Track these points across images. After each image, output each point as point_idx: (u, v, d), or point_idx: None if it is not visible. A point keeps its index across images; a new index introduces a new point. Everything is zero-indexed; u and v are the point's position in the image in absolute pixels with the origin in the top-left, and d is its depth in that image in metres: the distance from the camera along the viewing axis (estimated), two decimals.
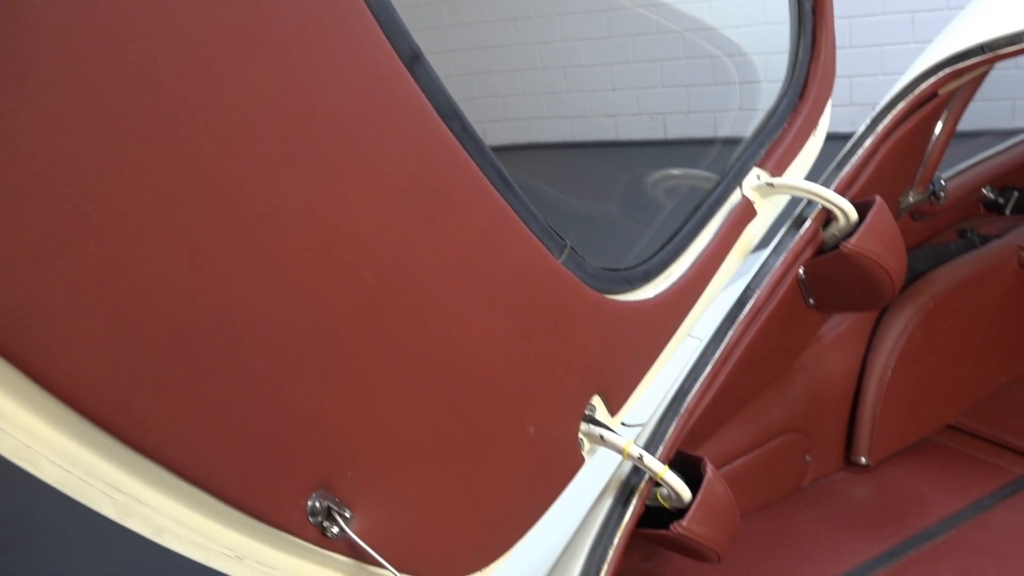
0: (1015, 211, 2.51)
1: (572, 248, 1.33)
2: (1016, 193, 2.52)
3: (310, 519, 1.00)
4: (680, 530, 1.39)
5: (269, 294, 0.92)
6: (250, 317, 0.90)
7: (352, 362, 1.01)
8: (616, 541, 1.38)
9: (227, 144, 0.85)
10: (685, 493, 1.40)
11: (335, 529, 1.01)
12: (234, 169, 0.86)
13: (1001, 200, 2.52)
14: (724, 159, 1.72)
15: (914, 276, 2.19)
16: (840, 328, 2.05)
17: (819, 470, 2.04)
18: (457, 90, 1.08)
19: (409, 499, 1.12)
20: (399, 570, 1.09)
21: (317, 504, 1.00)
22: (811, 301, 1.75)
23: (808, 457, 2.01)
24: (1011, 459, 2.06)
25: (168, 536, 0.91)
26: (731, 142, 1.78)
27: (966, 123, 2.11)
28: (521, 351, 1.24)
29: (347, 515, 1.03)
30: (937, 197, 2.08)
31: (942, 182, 2.07)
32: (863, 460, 2.06)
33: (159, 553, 0.91)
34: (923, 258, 2.23)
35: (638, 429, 1.51)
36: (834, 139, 1.79)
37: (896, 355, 2.05)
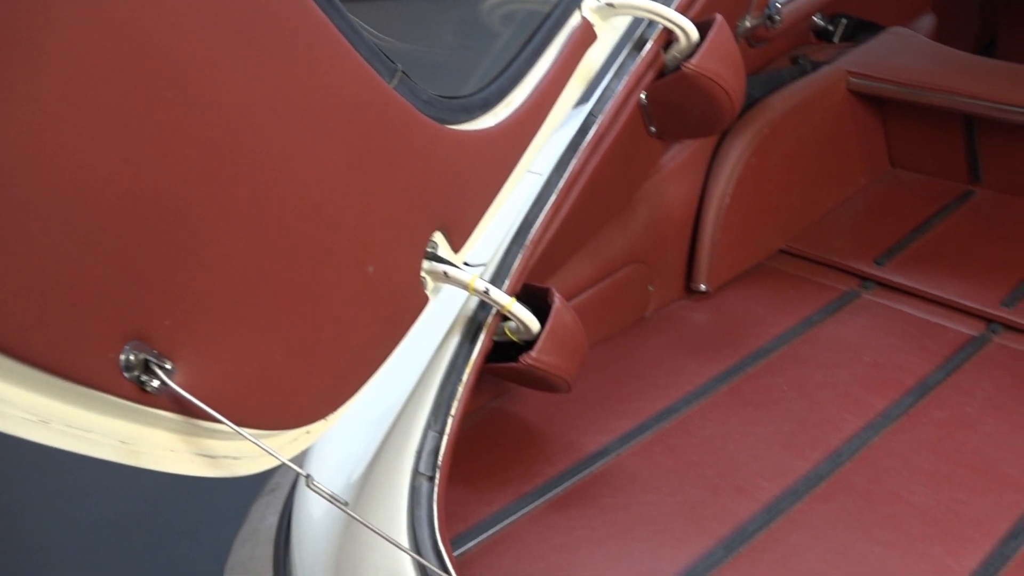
0: (844, 38, 2.56)
1: (404, 73, 1.23)
2: (845, 21, 2.56)
3: (125, 374, 0.90)
4: (530, 361, 1.37)
5: (59, 115, 0.78)
6: (36, 142, 0.77)
7: (162, 196, 0.89)
8: (465, 378, 1.36)
9: None
10: (533, 324, 1.37)
11: (155, 383, 0.92)
12: None
13: (831, 27, 2.55)
14: None
15: (750, 103, 2.21)
16: (680, 158, 2.05)
17: (661, 299, 2.08)
18: None
19: (239, 347, 1.03)
20: (235, 423, 1.01)
21: (132, 357, 0.90)
22: (652, 129, 1.72)
23: (650, 287, 2.04)
24: (836, 277, 2.17)
25: None
26: None
27: None
28: (354, 184, 1.15)
29: (168, 367, 0.93)
30: (772, 21, 2.07)
31: (778, 5, 2.06)
32: (702, 287, 2.11)
33: None
34: (758, 85, 2.25)
35: (483, 269, 1.47)
36: None
37: (734, 182, 2.08)
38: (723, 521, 1.48)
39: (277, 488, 1.83)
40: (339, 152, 1.11)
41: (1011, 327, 1.94)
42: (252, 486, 1.83)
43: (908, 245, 2.24)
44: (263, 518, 1.75)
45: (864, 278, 2.14)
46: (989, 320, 1.96)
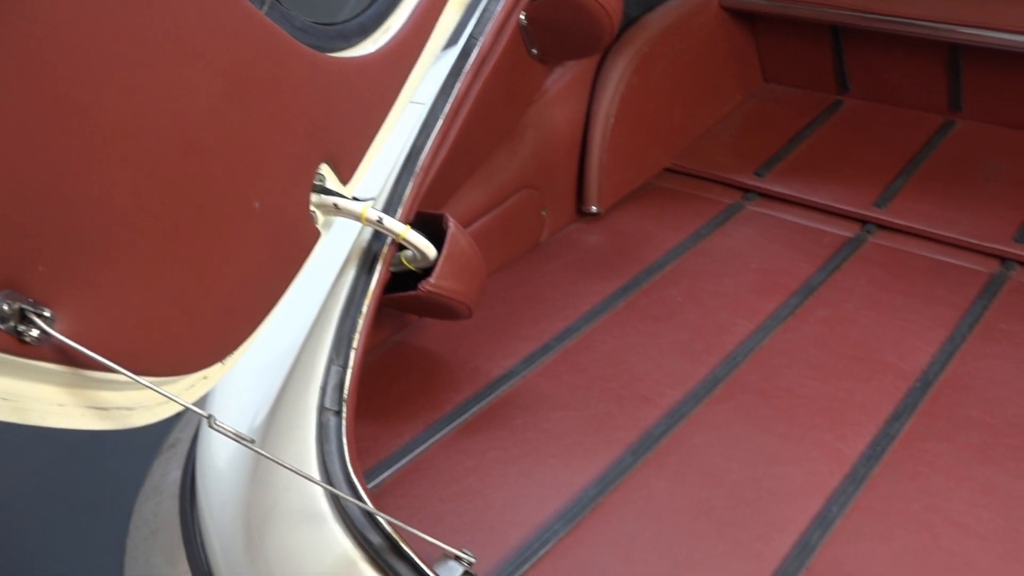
0: None
1: None
2: None
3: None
4: (429, 287, 1.36)
5: None
6: None
7: (23, 135, 0.83)
8: (364, 310, 1.34)
9: None
10: (430, 250, 1.36)
11: (34, 332, 0.87)
12: None
13: None
14: None
15: (628, 21, 2.22)
16: (563, 80, 2.05)
17: (555, 223, 2.10)
18: None
19: (123, 290, 0.98)
20: (128, 370, 0.97)
21: (5, 307, 0.85)
22: (534, 51, 1.71)
23: (543, 212, 2.05)
24: (720, 191, 2.23)
25: None
26: None
27: None
28: (232, 115, 1.10)
29: (47, 315, 0.88)
30: None
31: None
32: (594, 209, 2.14)
33: None
34: (635, 3, 2.26)
35: (374, 200, 1.44)
36: None
37: (616, 102, 2.10)
38: (630, 429, 1.52)
39: (177, 443, 1.78)
40: (213, 82, 1.06)
41: (884, 226, 2.04)
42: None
43: (785, 156, 2.31)
44: (165, 474, 1.71)
45: (746, 190, 2.21)
46: (864, 221, 2.06)
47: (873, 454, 1.46)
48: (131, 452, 2.10)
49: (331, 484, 1.17)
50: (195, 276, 1.11)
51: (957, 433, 1.49)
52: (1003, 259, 1.90)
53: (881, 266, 1.92)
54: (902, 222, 2.02)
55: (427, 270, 1.40)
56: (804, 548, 1.30)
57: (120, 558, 1.63)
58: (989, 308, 1.77)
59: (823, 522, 1.34)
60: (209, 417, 1.00)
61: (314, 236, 1.34)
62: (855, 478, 1.41)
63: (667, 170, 2.33)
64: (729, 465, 1.45)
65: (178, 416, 1.79)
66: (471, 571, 1.19)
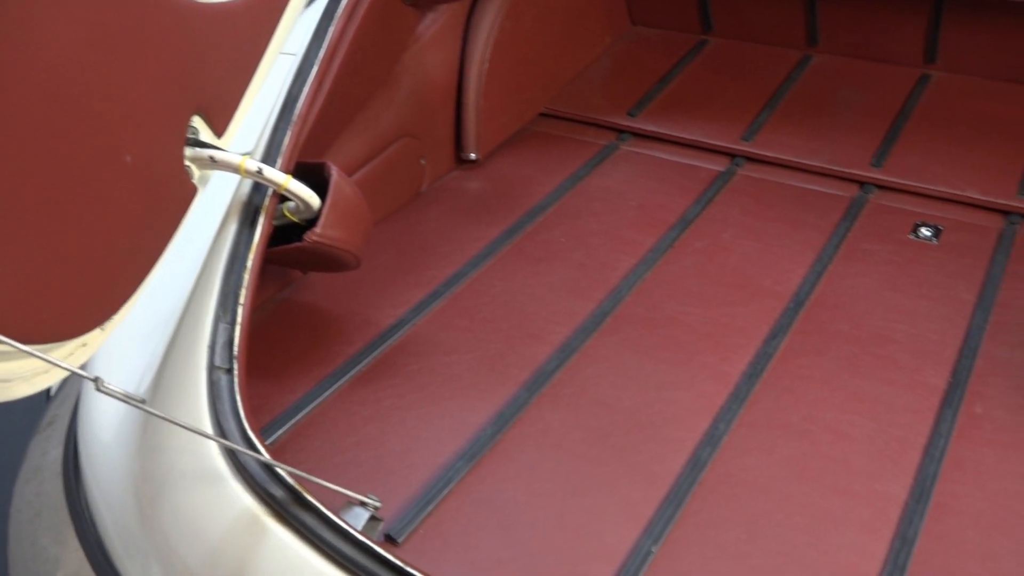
0: None
1: None
2: None
3: None
4: (315, 237, 1.34)
5: None
6: None
7: None
8: (249, 264, 1.31)
9: None
10: (313, 199, 1.34)
11: None
12: None
13: None
14: None
15: None
16: (436, 25, 2.03)
17: (435, 172, 2.09)
18: None
19: None
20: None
21: None
22: None
23: (423, 160, 2.04)
24: (595, 133, 2.27)
25: None
26: None
27: None
28: (97, 65, 1.04)
29: None
30: None
31: None
32: (473, 156, 2.14)
33: None
34: None
35: (252, 151, 1.40)
36: None
37: (490, 47, 2.09)
38: (523, 367, 1.55)
39: (55, 420, 1.71)
40: (74, 29, 1.00)
41: (751, 159, 2.12)
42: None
43: (655, 96, 2.37)
44: (44, 453, 1.63)
45: (620, 130, 2.26)
46: (733, 155, 2.14)
47: (754, 372, 1.53)
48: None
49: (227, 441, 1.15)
50: (66, 236, 1.06)
51: (828, 347, 1.59)
52: (861, 183, 2.02)
53: (752, 196, 2.01)
54: (768, 153, 2.11)
55: (312, 221, 1.38)
56: (696, 465, 1.37)
57: (2, 544, 1.56)
58: (851, 230, 1.88)
59: (711, 439, 1.41)
60: (96, 380, 0.96)
61: (191, 191, 1.29)
62: (738, 396, 1.49)
63: (542, 115, 2.35)
64: (621, 393, 1.50)
65: (54, 390, 1.71)
66: (377, 515, 1.20)
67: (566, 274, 1.78)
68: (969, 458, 1.37)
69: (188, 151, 1.26)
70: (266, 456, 1.15)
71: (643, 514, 1.30)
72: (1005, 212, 1.92)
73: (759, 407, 1.47)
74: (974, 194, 1.95)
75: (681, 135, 2.20)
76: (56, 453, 1.60)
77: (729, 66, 2.48)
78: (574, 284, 1.75)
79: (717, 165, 2.12)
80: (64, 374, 1.06)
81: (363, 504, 1.18)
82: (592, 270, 1.79)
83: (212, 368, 1.23)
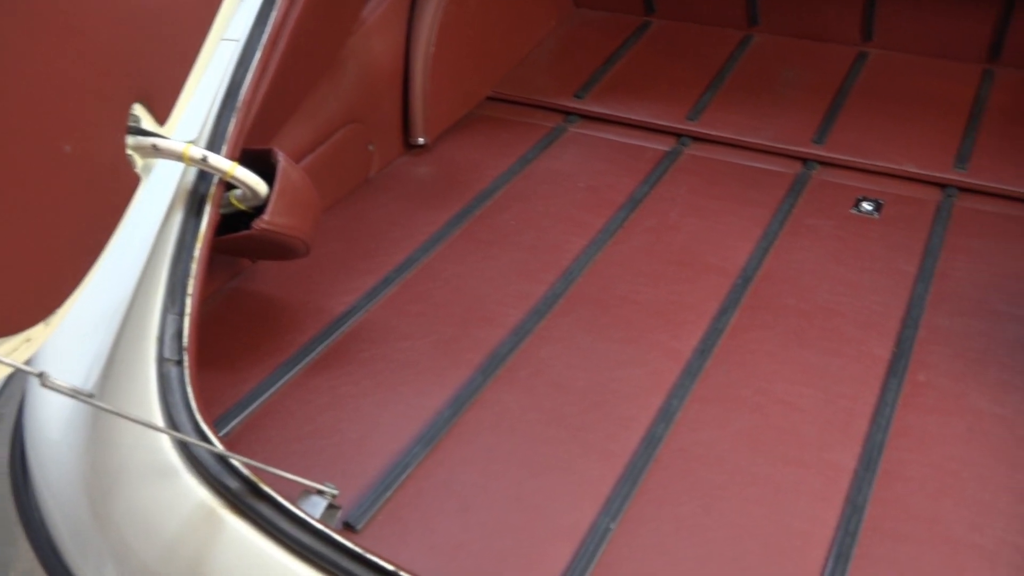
0: None
1: None
2: None
3: None
4: (263, 225, 1.33)
5: None
6: None
7: None
8: (197, 254, 1.29)
9: None
10: (261, 186, 1.32)
11: None
12: None
13: None
14: None
15: None
16: (381, 9, 2.01)
17: (384, 157, 2.08)
18: None
19: None
20: None
21: None
22: None
23: (371, 146, 2.02)
24: (543, 116, 2.27)
25: None
26: None
27: None
28: (32, 51, 1.01)
29: None
30: None
31: None
32: (421, 140, 2.13)
33: None
34: None
35: (196, 139, 1.37)
36: None
37: (436, 30, 2.08)
38: (477, 351, 1.55)
39: (0, 419, 1.67)
40: (7, 16, 0.97)
41: (697, 138, 2.15)
42: None
43: (601, 77, 2.38)
44: None
45: (568, 113, 2.26)
46: (679, 135, 2.16)
47: (705, 348, 1.56)
48: None
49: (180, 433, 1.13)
50: (3, 229, 1.03)
51: (776, 321, 1.61)
52: (804, 160, 2.06)
53: (698, 175, 2.03)
54: (713, 132, 2.14)
55: (259, 208, 1.36)
56: (651, 441, 1.39)
57: None
58: (796, 206, 1.92)
59: (665, 416, 1.43)
60: (42, 375, 0.94)
61: (134, 181, 1.26)
62: (691, 372, 1.51)
63: (490, 98, 2.34)
64: (575, 373, 1.51)
65: None
66: (335, 503, 1.20)
67: (517, 257, 1.79)
68: (914, 425, 1.41)
69: (130, 139, 1.24)
70: (220, 448, 1.14)
71: (600, 492, 1.31)
72: (942, 185, 1.97)
73: (711, 382, 1.50)
74: (912, 168, 1.99)
75: (627, 116, 2.21)
76: (2, 453, 1.56)
77: (672, 47, 2.50)
78: (525, 266, 1.76)
79: (663, 145, 2.14)
80: (8, 371, 1.04)
81: (320, 492, 1.18)
82: (543, 252, 1.80)
83: (162, 360, 1.21)
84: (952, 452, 1.36)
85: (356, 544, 1.01)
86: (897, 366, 1.51)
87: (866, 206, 1.92)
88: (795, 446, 1.38)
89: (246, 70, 1.41)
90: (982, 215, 1.89)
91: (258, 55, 1.42)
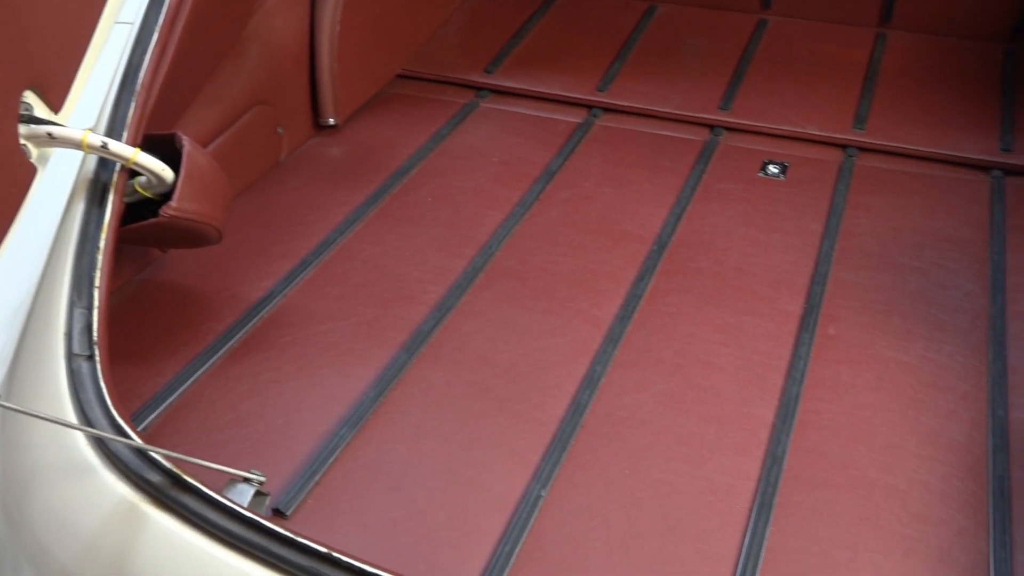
0: None
1: None
2: None
3: None
4: (171, 211, 1.29)
5: None
6: None
7: None
8: (102, 244, 1.24)
9: None
10: (166, 172, 1.28)
11: None
12: None
13: None
14: None
15: None
16: None
17: (294, 140, 2.04)
18: None
19: None
20: None
21: None
22: None
23: (280, 129, 1.98)
24: (454, 92, 2.26)
25: None
26: None
27: None
28: None
29: None
30: None
31: None
32: (331, 121, 2.09)
33: None
34: None
35: (94, 126, 1.32)
36: None
37: (340, 8, 2.04)
38: (400, 329, 1.55)
39: None
40: None
41: (608, 108, 2.17)
42: None
43: (510, 52, 2.38)
44: None
45: (479, 88, 2.26)
46: (590, 106, 2.18)
47: (625, 314, 1.58)
48: None
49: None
50: None
51: (692, 284, 1.65)
52: (712, 127, 2.10)
53: (611, 145, 2.05)
54: (623, 103, 2.16)
55: (166, 195, 1.32)
56: (577, 408, 1.40)
57: None
58: (706, 171, 1.96)
59: (590, 382, 1.45)
60: None
61: (29, 172, 1.22)
62: (612, 338, 1.53)
63: (400, 76, 2.32)
64: (499, 346, 1.52)
65: None
66: (263, 490, 1.18)
67: (436, 233, 1.78)
68: (827, 377, 1.46)
69: (23, 128, 1.19)
70: (138, 441, 1.11)
71: (530, 460, 1.33)
72: (843, 146, 2.03)
73: (632, 347, 1.52)
74: (814, 131, 2.05)
75: (538, 89, 2.22)
76: None
77: (579, 19, 2.52)
78: (444, 242, 1.75)
79: (575, 117, 2.15)
80: None
81: (247, 480, 1.16)
82: (461, 227, 1.79)
83: (71, 356, 1.17)
84: (863, 400, 1.42)
85: (287, 529, 1.00)
86: (808, 321, 1.57)
87: (772, 169, 1.97)
88: (716, 404, 1.42)
89: (143, 53, 1.36)
90: (881, 172, 1.96)
91: (155, 37, 1.37)
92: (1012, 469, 1.30)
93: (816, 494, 1.27)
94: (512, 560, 1.19)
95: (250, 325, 1.55)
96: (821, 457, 1.33)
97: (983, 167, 1.96)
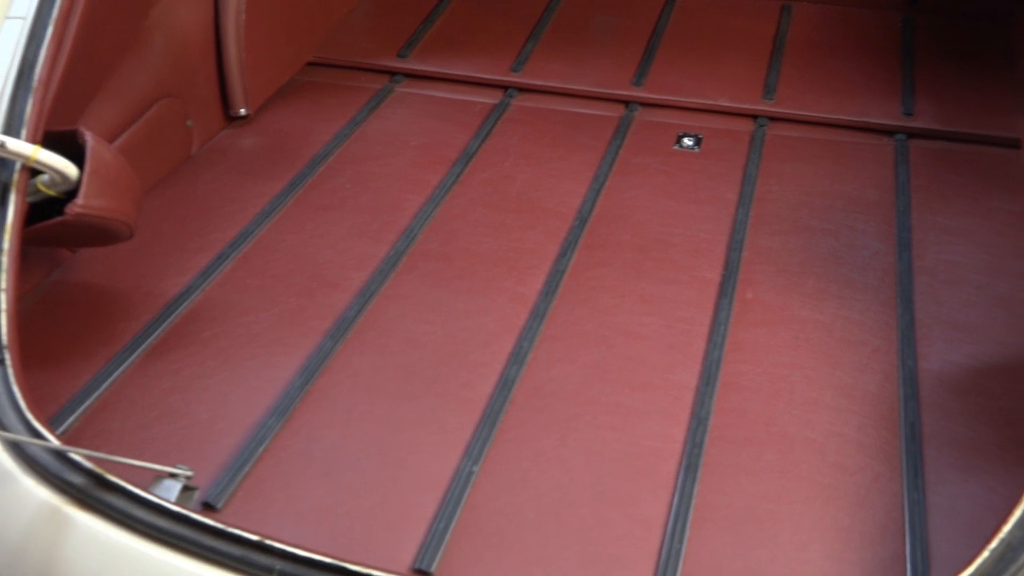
0: None
1: None
2: None
3: None
4: (78, 209, 1.25)
5: None
6: None
7: None
8: (6, 246, 1.21)
9: None
10: (69, 169, 1.25)
11: None
12: None
13: None
14: None
15: None
16: None
17: (205, 132, 2.00)
18: None
19: None
20: None
21: None
22: None
23: (189, 121, 1.94)
24: (368, 78, 2.24)
25: None
26: None
27: None
28: None
29: None
30: None
31: None
32: (242, 111, 2.06)
33: None
34: None
35: None
36: None
37: None
38: (324, 317, 1.54)
39: None
40: None
41: (523, 88, 2.18)
42: None
43: (423, 35, 2.37)
44: None
45: (393, 73, 2.24)
46: (505, 87, 2.18)
47: (549, 290, 1.60)
48: None
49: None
50: None
51: (614, 257, 1.67)
52: (626, 103, 2.13)
53: (528, 124, 2.06)
54: (538, 82, 2.17)
55: (72, 193, 1.29)
56: (505, 384, 1.42)
57: None
58: (622, 147, 1.98)
59: (517, 358, 1.46)
60: None
61: None
62: (537, 314, 1.55)
63: (311, 64, 2.29)
64: (425, 328, 1.52)
65: None
66: (191, 485, 1.16)
67: (356, 220, 1.77)
68: (746, 339, 1.50)
69: None
70: (56, 443, 1.08)
71: (461, 438, 1.33)
72: (754, 116, 2.08)
73: (557, 321, 1.54)
74: (726, 103, 2.10)
75: (453, 72, 2.22)
76: None
77: (491, 0, 2.52)
78: (365, 228, 1.74)
79: (491, 98, 2.16)
80: None
81: (173, 476, 1.14)
82: (382, 213, 1.79)
83: None
84: (781, 359, 1.46)
85: (217, 521, 0.99)
86: (727, 287, 1.61)
87: (687, 141, 2.01)
88: (641, 371, 1.44)
89: (38, 48, 1.32)
90: (791, 140, 2.01)
91: (50, 31, 1.33)
92: (922, 416, 1.36)
93: (740, 452, 1.31)
94: (447, 536, 1.19)
95: (169, 321, 1.52)
96: (743, 416, 1.37)
97: (887, 131, 2.03)
